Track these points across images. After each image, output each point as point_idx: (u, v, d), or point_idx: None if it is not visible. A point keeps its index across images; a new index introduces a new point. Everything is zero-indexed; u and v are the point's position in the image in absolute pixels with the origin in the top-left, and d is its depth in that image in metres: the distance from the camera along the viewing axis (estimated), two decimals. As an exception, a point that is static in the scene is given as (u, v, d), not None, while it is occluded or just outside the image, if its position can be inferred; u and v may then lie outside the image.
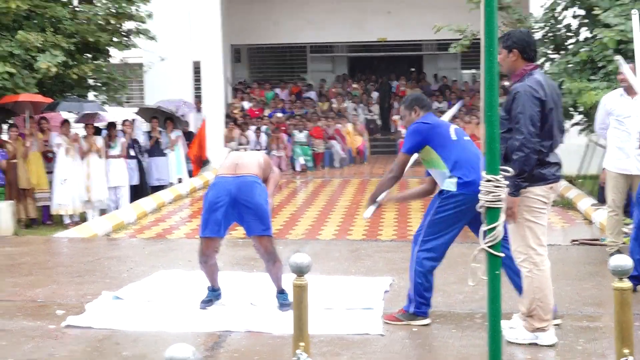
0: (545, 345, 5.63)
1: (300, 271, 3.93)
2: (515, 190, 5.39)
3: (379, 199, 6.58)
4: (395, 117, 25.42)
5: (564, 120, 5.85)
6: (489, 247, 3.25)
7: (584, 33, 13.71)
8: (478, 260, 3.60)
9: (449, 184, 6.22)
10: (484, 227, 3.31)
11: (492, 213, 3.25)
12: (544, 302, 5.61)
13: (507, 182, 5.14)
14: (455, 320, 6.45)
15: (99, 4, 15.48)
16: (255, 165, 6.80)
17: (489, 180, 3.19)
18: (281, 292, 6.86)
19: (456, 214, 6.19)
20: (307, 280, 3.95)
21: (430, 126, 6.38)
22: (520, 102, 5.41)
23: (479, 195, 3.26)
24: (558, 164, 5.70)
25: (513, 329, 5.79)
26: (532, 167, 5.41)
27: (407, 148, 6.46)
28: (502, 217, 4.70)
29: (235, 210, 6.60)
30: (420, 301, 6.35)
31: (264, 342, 5.99)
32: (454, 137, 6.36)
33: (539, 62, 14.02)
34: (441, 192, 6.32)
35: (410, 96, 6.69)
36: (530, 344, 5.65)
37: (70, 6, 15.53)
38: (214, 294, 6.98)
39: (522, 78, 5.54)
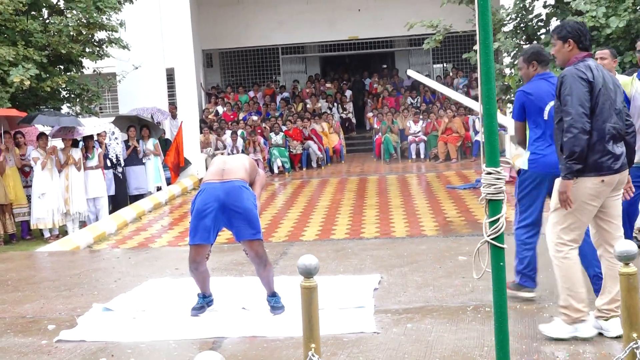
0: (584, 338, 5.58)
1: (308, 273, 3.92)
2: (568, 172, 5.30)
3: None
4: (370, 115, 25.47)
5: (626, 109, 5.60)
6: (492, 239, 3.25)
7: (555, 23, 13.80)
8: (481, 253, 3.61)
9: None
10: (486, 220, 3.32)
11: (494, 205, 3.26)
12: (573, 292, 5.53)
13: (561, 167, 5.23)
14: (447, 314, 6.48)
15: (69, 15, 15.37)
16: (242, 169, 6.78)
17: (489, 173, 3.20)
18: (272, 295, 6.85)
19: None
20: (316, 282, 3.94)
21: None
22: (567, 84, 5.33)
23: (481, 188, 3.27)
24: (617, 156, 5.48)
25: (552, 323, 5.76)
26: (583, 148, 5.28)
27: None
28: (554, 201, 5.09)
29: (224, 216, 6.58)
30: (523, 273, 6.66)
31: (258, 345, 5.98)
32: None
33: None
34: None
35: (530, 49, 6.84)
36: (570, 337, 5.60)
37: (40, 19, 15.44)
38: (206, 300, 6.95)
39: (571, 65, 5.48)
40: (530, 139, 6.69)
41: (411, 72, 8.83)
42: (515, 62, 13.91)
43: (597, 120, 5.38)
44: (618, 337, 5.32)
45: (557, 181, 5.44)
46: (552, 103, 6.30)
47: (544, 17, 13.85)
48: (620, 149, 5.51)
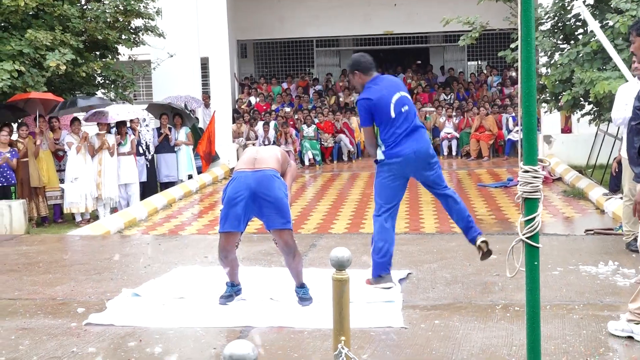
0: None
1: (340, 265, 3.91)
2: None
3: None
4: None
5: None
6: (527, 238, 3.23)
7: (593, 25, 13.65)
8: (515, 252, 3.58)
9: None
10: (522, 218, 3.30)
11: (531, 204, 3.24)
12: None
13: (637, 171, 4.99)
14: (476, 312, 6.44)
15: (107, 2, 15.46)
16: (274, 159, 6.79)
17: (526, 171, 3.18)
18: (301, 287, 6.85)
19: None
20: (348, 275, 3.93)
21: None
22: None
23: (518, 186, 3.24)
24: None
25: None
26: None
27: None
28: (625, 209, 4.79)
29: (255, 204, 6.59)
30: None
31: (286, 336, 5.98)
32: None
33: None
34: None
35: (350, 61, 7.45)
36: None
37: (78, 4, 15.53)
38: (234, 289, 6.97)
39: None
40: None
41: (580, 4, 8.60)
42: (552, 62, 13.82)
43: None
44: None
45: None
46: (396, 96, 7.20)
47: (582, 16, 13.72)
48: None
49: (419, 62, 29.99)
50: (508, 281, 7.24)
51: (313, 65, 28.93)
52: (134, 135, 15.01)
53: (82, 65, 14.79)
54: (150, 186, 15.83)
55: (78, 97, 14.57)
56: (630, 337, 5.55)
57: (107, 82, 16.68)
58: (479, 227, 11.72)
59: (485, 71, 27.06)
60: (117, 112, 14.67)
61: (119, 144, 14.49)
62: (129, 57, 17.54)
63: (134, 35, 16.77)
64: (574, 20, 13.91)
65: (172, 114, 17.23)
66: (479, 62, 29.13)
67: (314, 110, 23.28)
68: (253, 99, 25.12)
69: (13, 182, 13.13)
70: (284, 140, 21.00)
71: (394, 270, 7.77)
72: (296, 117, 22.76)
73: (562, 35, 14.07)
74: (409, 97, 7.54)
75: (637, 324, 5.52)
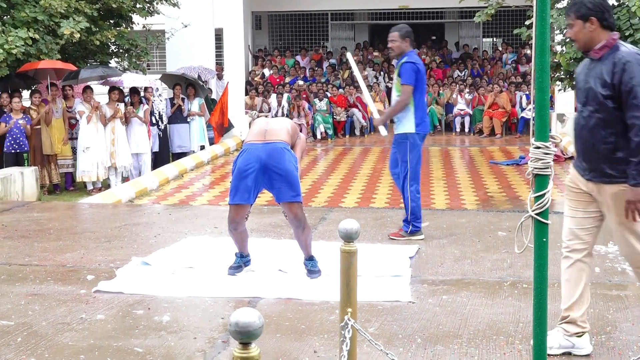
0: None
1: (349, 237, 3.92)
2: None
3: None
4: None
5: None
6: (537, 214, 3.22)
7: (611, 1, 13.56)
8: (524, 228, 3.57)
9: None
10: (532, 194, 3.29)
11: (541, 180, 3.23)
12: None
13: (631, 172, 4.48)
14: (484, 288, 6.45)
15: (122, -30, 15.41)
16: (284, 131, 6.78)
17: (538, 147, 3.17)
18: (310, 259, 6.86)
19: None
20: (356, 247, 3.94)
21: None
22: (635, 72, 4.52)
23: (529, 162, 3.24)
24: None
25: None
26: None
27: None
28: (615, 215, 4.58)
29: (265, 177, 6.59)
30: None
31: (294, 308, 6.00)
32: None
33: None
34: None
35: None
36: None
37: (93, -28, 15.49)
38: (243, 260, 6.99)
39: (614, 47, 4.67)
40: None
41: (349, 56, 9.52)
42: (567, 40, 13.72)
43: None
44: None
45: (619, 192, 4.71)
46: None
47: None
48: None
49: (434, 37, 29.87)
50: (517, 258, 7.25)
51: (327, 38, 28.86)
52: (147, 105, 15.01)
53: (96, 34, 14.77)
54: (163, 156, 15.86)
55: (82, 69, 14.49)
56: (568, 353, 4.96)
57: (120, 51, 16.66)
58: (491, 204, 11.76)
59: (500, 48, 26.92)
60: (132, 79, 14.67)
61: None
62: (143, 27, 17.50)
63: (148, 4, 16.73)
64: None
65: (185, 85, 17.21)
66: (494, 39, 29.00)
67: (327, 84, 23.22)
68: (267, 71, 25.07)
69: (26, 149, 13.18)
70: (296, 113, 20.96)
71: (403, 245, 7.82)
72: (309, 90, 22.70)
73: (578, 14, 13.94)
74: None
75: (580, 336, 4.97)
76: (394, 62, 26.97)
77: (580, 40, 4.81)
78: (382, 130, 8.48)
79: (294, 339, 5.31)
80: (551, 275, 5.52)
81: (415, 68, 8.16)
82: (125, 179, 14.24)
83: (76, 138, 14.12)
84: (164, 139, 16.07)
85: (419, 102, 8.26)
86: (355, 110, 22.17)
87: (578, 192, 4.94)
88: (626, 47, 4.68)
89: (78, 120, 13.99)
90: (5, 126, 13.06)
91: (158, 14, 17.14)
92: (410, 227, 8.30)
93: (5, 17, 13.90)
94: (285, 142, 6.71)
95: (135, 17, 16.91)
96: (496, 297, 6.21)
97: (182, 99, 16.83)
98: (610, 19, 4.76)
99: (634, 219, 4.61)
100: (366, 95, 9.09)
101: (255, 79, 24.17)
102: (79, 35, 13.74)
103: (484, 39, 29.27)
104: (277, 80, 24.24)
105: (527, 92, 21.60)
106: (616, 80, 4.58)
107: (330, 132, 21.48)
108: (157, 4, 16.92)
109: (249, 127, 19.73)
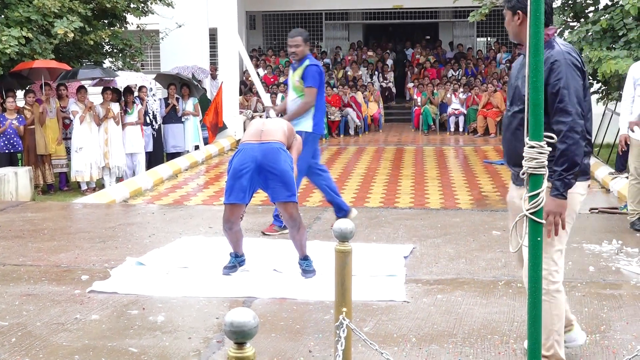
0: None
1: (344, 237, 3.92)
2: (566, 190, 4.18)
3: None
4: (410, 85, 25.33)
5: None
6: (531, 213, 3.23)
7: (604, 1, 13.60)
8: (519, 227, 3.57)
9: None
10: (526, 194, 3.29)
11: (535, 179, 3.23)
12: (560, 336, 4.46)
13: (554, 182, 4.13)
14: (479, 288, 6.46)
15: (116, -31, 15.40)
16: (280, 132, 6.79)
17: (532, 147, 3.17)
18: (304, 259, 6.87)
19: None
20: (351, 246, 3.94)
21: None
22: (562, 73, 4.19)
23: (523, 161, 3.24)
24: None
25: None
26: (582, 157, 4.23)
27: None
28: (536, 227, 3.94)
29: (260, 177, 6.60)
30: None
31: (288, 308, 6.00)
32: None
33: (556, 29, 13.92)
34: None
35: None
36: None
37: (87, -29, 15.48)
38: (238, 260, 6.99)
39: (547, 44, 4.28)
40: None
41: (240, 47, 9.93)
42: (563, 39, 13.75)
43: (585, 118, 4.30)
44: None
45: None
46: None
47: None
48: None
49: (428, 37, 29.89)
50: (511, 257, 7.25)
51: (322, 38, 28.85)
52: (142, 105, 15.00)
53: (90, 34, 14.76)
54: (157, 156, 15.85)
55: (80, 68, 14.51)
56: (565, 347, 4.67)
57: (115, 51, 16.65)
58: (485, 203, 11.79)
59: (494, 48, 26.94)
60: (125, 76, 14.66)
61: (126, 113, 14.49)
62: (138, 27, 17.49)
63: (142, 4, 16.73)
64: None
65: (179, 85, 17.20)
66: (488, 39, 29.04)
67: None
68: (261, 71, 25.06)
69: (20, 149, 13.17)
70: (290, 113, 20.90)
71: (398, 245, 7.82)
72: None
73: (572, 13, 14.01)
74: None
75: (569, 330, 4.76)
76: (388, 62, 27.01)
77: (510, 32, 4.53)
78: (272, 114, 9.11)
79: (289, 338, 5.31)
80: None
81: (319, 71, 8.55)
82: (119, 179, 14.22)
83: (70, 138, 14.10)
84: (158, 139, 16.05)
85: (319, 103, 8.61)
86: (349, 109, 22.18)
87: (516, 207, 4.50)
88: (558, 46, 4.32)
89: (72, 120, 13.97)
90: (0, 127, 13.04)
91: (152, 13, 17.14)
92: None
93: (-2, 16, 13.89)
94: (281, 142, 6.73)
95: (130, 17, 16.91)
96: (491, 297, 6.21)
97: (177, 99, 16.81)
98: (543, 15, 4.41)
99: (555, 232, 4.22)
100: (258, 86, 9.53)
101: (250, 78, 24.16)
102: (72, 35, 13.73)
103: (478, 39, 29.29)
104: (272, 80, 24.23)
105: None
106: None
107: (324, 131, 21.45)
108: (151, 3, 16.91)
109: (244, 126, 19.74)
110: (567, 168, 4.13)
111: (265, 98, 9.25)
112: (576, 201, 4.42)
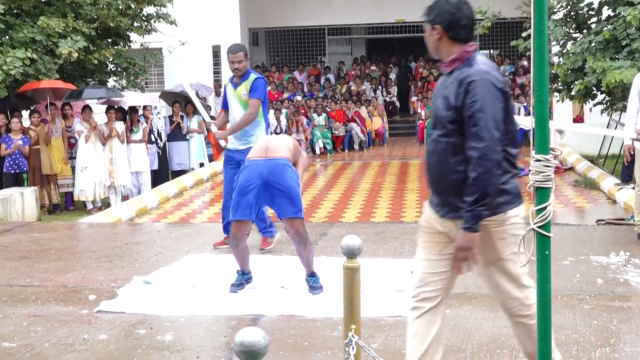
0: None
1: (351, 253, 3.91)
2: (476, 223, 3.85)
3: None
4: (414, 99, 25.35)
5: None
6: (539, 227, 3.22)
7: (606, 12, 13.60)
8: (527, 241, 3.56)
9: None
10: (533, 208, 3.29)
11: (542, 193, 3.23)
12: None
13: (464, 214, 3.85)
14: (487, 302, 6.42)
15: (119, -11, 15.48)
16: (286, 148, 6.79)
17: (538, 160, 3.17)
18: (311, 275, 6.85)
19: None
20: (359, 263, 3.93)
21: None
22: (479, 95, 3.85)
23: (529, 175, 3.24)
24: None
25: None
26: (497, 188, 3.87)
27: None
28: (481, 254, 3.93)
29: (266, 193, 6.60)
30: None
31: (296, 325, 5.99)
32: None
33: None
34: None
35: None
36: None
37: (90, -9, 15.55)
38: (245, 277, 6.98)
39: (466, 62, 4.00)
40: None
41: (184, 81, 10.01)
42: (564, 51, 13.75)
43: (511, 141, 4.00)
44: None
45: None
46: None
47: (595, 5, 13.65)
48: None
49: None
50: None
51: (325, 53, 28.90)
52: (147, 123, 15.03)
53: (94, 53, 14.82)
54: (162, 174, 15.86)
55: (86, 88, 14.55)
56: None
57: (119, 69, 16.70)
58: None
59: (496, 60, 26.98)
60: (134, 97, 14.73)
61: (131, 132, 14.52)
62: (141, 45, 17.55)
63: (146, 23, 16.79)
64: (586, 9, 13.83)
65: (184, 102, 17.24)
66: (491, 51, 29.05)
67: (325, 99, 23.26)
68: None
69: (25, 169, 13.19)
70: (295, 128, 20.99)
71: (405, 260, 7.79)
72: (307, 105, 22.73)
73: (574, 25, 14.00)
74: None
75: None
76: (391, 76, 27.04)
77: (429, 47, 4.20)
78: (222, 143, 8.86)
79: (298, 355, 5.30)
80: (554, 287, 5.50)
81: (265, 84, 8.76)
82: (125, 198, 14.24)
83: (75, 157, 14.12)
84: (163, 157, 16.07)
85: (266, 116, 8.81)
86: (353, 124, 22.20)
87: (433, 233, 4.20)
88: (478, 64, 3.98)
89: (77, 140, 14.00)
90: (6, 149, 13.08)
91: (156, 32, 17.19)
92: None
93: (3, 37, 13.94)
94: (287, 158, 6.74)
95: (133, 36, 16.96)
96: (499, 311, 6.14)
97: (181, 117, 16.85)
98: (462, 31, 4.06)
99: (468, 268, 4.00)
100: (199, 107, 9.59)
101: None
102: (77, 54, 13.78)
103: (481, 51, 29.32)
104: (276, 96, 24.27)
105: (525, 104, 21.61)
106: (459, 103, 3.90)
107: (329, 147, 21.50)
108: (154, 22, 16.96)
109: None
110: (478, 199, 3.80)
111: (205, 115, 9.22)
112: (517, 225, 4.01)
